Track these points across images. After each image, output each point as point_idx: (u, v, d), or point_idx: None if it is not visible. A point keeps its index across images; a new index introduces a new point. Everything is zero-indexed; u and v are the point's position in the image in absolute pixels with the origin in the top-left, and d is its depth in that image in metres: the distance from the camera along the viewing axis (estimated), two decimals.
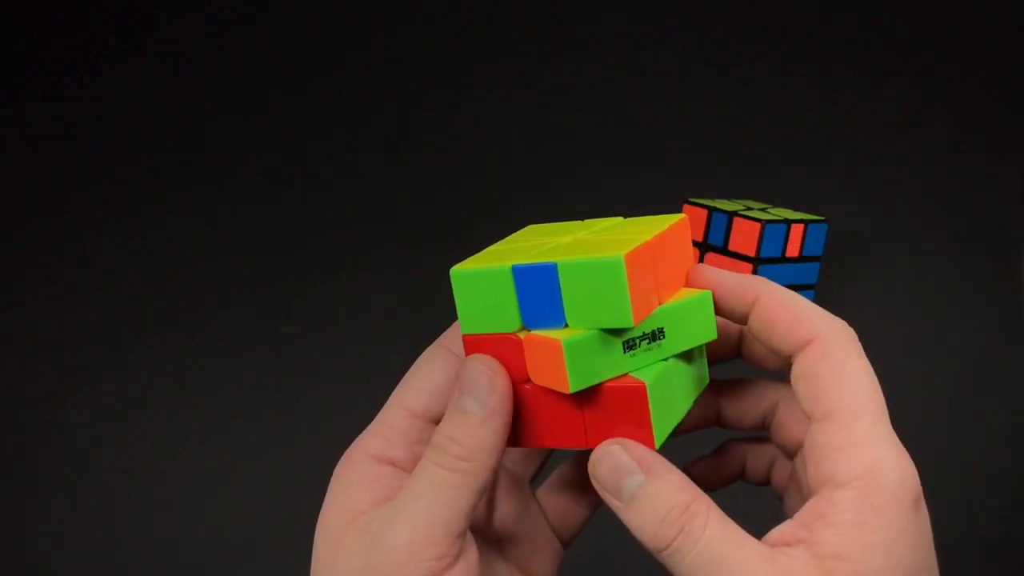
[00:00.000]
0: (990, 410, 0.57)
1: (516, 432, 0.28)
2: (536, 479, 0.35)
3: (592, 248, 0.27)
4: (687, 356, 0.29)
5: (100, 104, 0.69)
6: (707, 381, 0.31)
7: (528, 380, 0.28)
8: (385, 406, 0.30)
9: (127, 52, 0.71)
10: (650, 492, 0.26)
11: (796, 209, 0.59)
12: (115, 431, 0.60)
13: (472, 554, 0.27)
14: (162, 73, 0.70)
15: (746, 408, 0.33)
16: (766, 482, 0.34)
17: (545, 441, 0.28)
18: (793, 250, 0.56)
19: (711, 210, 0.56)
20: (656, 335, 0.27)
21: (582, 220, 0.32)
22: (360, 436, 0.30)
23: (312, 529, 0.30)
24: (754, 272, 0.54)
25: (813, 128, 0.65)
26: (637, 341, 0.27)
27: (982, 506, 0.54)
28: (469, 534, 0.27)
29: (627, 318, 0.26)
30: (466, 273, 0.27)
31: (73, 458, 0.59)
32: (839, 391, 0.27)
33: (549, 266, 0.26)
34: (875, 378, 0.27)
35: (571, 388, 0.26)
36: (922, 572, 0.25)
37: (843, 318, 0.29)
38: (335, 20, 0.70)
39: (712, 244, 0.56)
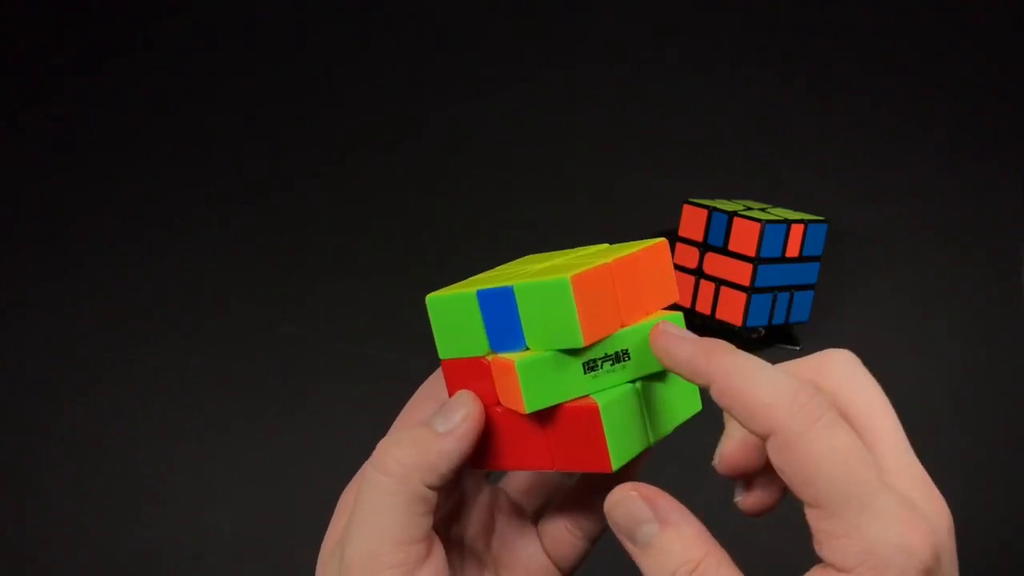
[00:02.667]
0: (990, 410, 0.57)
1: (485, 455, 0.29)
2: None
3: (552, 272, 0.27)
4: (662, 379, 0.29)
5: (100, 104, 0.69)
6: (698, 408, 0.30)
7: (499, 403, 0.28)
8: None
9: (127, 52, 0.71)
10: (663, 543, 0.26)
11: (796, 209, 0.59)
12: (115, 431, 0.60)
13: (435, 562, 0.28)
14: (162, 73, 0.70)
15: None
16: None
17: (513, 463, 0.29)
18: (793, 250, 0.56)
19: (711, 210, 0.56)
20: (620, 356, 0.28)
21: (573, 248, 0.32)
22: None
23: (310, 528, 0.30)
24: (754, 272, 0.54)
25: (813, 128, 0.65)
26: (599, 363, 0.27)
27: (982, 506, 0.54)
28: (435, 540, 0.28)
29: (577, 338, 0.26)
30: (438, 299, 0.28)
31: (73, 458, 0.59)
32: (818, 481, 0.24)
33: (507, 289, 0.27)
34: (859, 446, 0.25)
35: (527, 408, 0.26)
36: None
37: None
38: (335, 20, 0.70)
39: (712, 244, 0.56)
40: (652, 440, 0.29)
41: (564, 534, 0.33)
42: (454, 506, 0.32)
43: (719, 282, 0.56)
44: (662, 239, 0.30)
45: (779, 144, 0.64)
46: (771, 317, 0.56)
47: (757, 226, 0.54)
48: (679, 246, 0.58)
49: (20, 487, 0.58)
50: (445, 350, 0.29)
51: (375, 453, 0.27)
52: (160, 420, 0.60)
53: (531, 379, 0.26)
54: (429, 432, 0.27)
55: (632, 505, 0.26)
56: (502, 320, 0.27)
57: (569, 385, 0.27)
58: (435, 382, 0.31)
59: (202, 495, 0.57)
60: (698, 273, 0.57)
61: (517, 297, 0.27)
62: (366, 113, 0.68)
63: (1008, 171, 0.62)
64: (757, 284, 0.54)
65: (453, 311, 0.28)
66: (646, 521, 0.26)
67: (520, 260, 0.33)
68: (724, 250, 0.55)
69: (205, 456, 0.59)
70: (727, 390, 0.25)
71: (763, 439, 0.25)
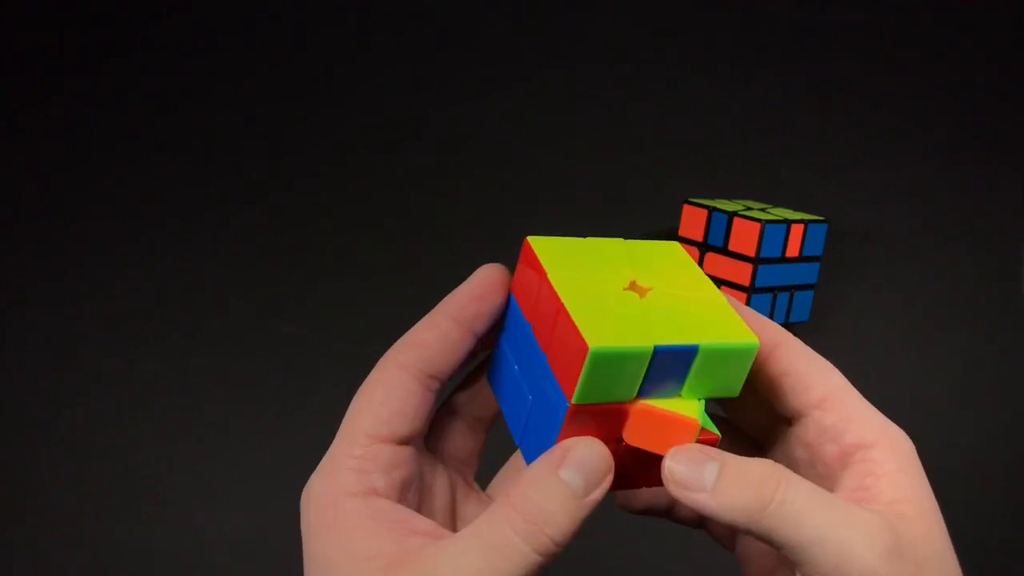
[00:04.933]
0: (990, 410, 0.57)
1: None
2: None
3: (703, 322, 0.28)
4: None
5: (100, 104, 0.69)
6: None
7: (616, 440, 0.28)
8: (341, 436, 0.29)
9: (127, 51, 0.71)
10: (733, 467, 0.26)
11: (796, 209, 0.59)
12: (115, 431, 0.60)
13: None
14: (162, 73, 0.70)
15: None
16: (695, 524, 0.34)
17: (623, 486, 0.29)
18: (793, 250, 0.56)
19: (711, 210, 0.56)
20: None
21: (583, 237, 0.32)
22: (323, 474, 0.28)
23: None
24: (754, 272, 0.54)
25: (813, 128, 0.65)
26: None
27: (981, 506, 0.54)
28: None
29: (736, 391, 0.28)
30: (607, 353, 0.26)
31: (73, 458, 0.59)
32: (826, 378, 0.30)
33: (692, 348, 0.27)
34: None
35: None
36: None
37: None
38: (335, 20, 0.70)
39: (712, 244, 0.56)
40: None
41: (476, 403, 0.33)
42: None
43: (719, 282, 0.56)
44: (676, 245, 0.31)
45: (779, 144, 0.64)
46: (771, 317, 0.56)
47: (757, 226, 0.54)
48: None
49: (20, 487, 0.58)
50: (587, 397, 0.26)
51: (519, 520, 0.25)
52: (160, 420, 0.60)
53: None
54: (574, 501, 0.26)
55: (688, 453, 0.27)
56: (669, 372, 0.27)
57: None
58: (385, 382, 0.29)
59: (202, 495, 0.57)
60: None
61: (699, 354, 0.27)
62: (366, 113, 0.68)
63: (1008, 171, 0.62)
64: (757, 284, 0.54)
65: (619, 364, 0.26)
66: (707, 461, 0.26)
67: (546, 247, 0.31)
68: (724, 250, 0.55)
69: (205, 456, 0.58)
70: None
71: (766, 354, 0.30)
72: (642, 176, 0.64)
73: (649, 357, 0.26)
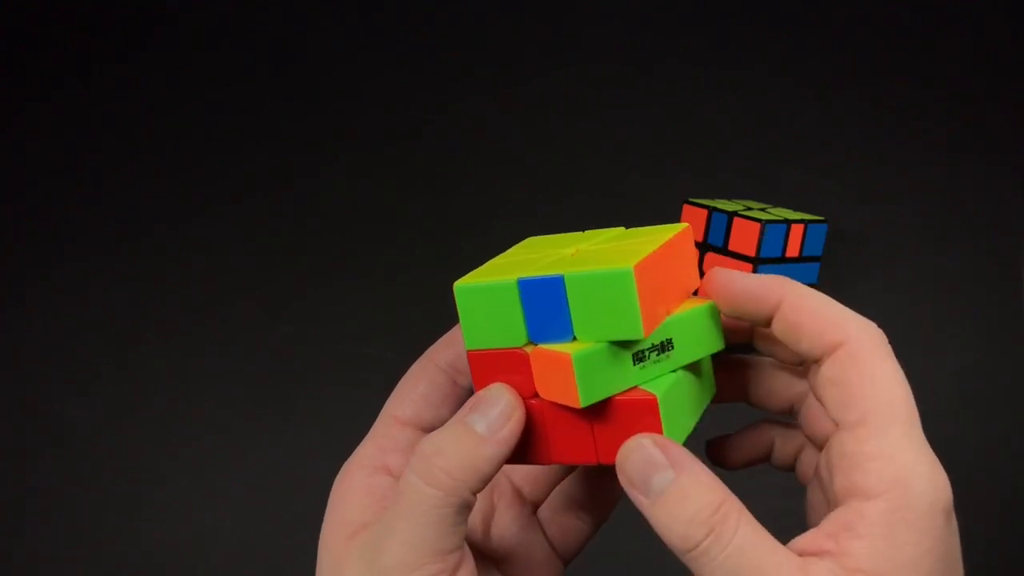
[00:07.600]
0: (990, 410, 0.57)
1: (523, 449, 0.28)
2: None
3: (598, 259, 0.26)
4: (695, 367, 0.29)
5: (100, 104, 0.69)
6: (714, 392, 0.31)
7: (535, 395, 0.27)
8: (377, 420, 0.31)
9: (127, 52, 0.71)
10: (679, 489, 0.25)
11: (796, 209, 0.59)
12: (115, 431, 0.60)
13: (469, 565, 0.27)
14: (162, 73, 0.70)
15: (775, 391, 0.32)
16: (791, 468, 0.33)
17: (553, 457, 0.28)
18: (793, 250, 0.56)
19: (711, 210, 0.56)
20: (665, 346, 0.27)
21: (583, 231, 0.32)
22: (356, 450, 0.30)
23: (311, 528, 0.30)
24: (754, 272, 0.54)
25: (813, 128, 0.65)
26: (646, 353, 0.27)
27: (982, 507, 0.54)
28: (465, 545, 0.27)
29: (638, 330, 0.25)
30: (470, 288, 0.27)
31: (73, 458, 0.59)
32: (870, 398, 0.26)
33: (556, 279, 0.26)
34: (907, 384, 0.27)
35: (582, 403, 0.25)
36: None
37: None
38: (335, 20, 0.70)
39: (712, 244, 0.56)
40: (690, 429, 0.28)
41: (570, 521, 0.33)
42: None
43: None
44: (684, 224, 0.30)
45: (779, 144, 0.64)
46: None
47: (757, 226, 0.54)
48: None
49: (20, 487, 0.58)
50: (473, 341, 0.27)
51: (417, 460, 0.26)
52: (160, 420, 0.60)
53: (587, 372, 0.25)
54: (472, 436, 0.26)
55: (648, 452, 0.25)
56: (547, 310, 0.26)
57: (620, 377, 0.26)
58: (419, 372, 0.30)
59: (202, 495, 0.57)
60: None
61: (568, 287, 0.26)
62: (366, 113, 0.68)
63: (1008, 171, 0.62)
64: None
65: (487, 301, 0.27)
66: (661, 468, 0.25)
67: (526, 243, 0.32)
68: (724, 250, 0.55)
69: (205, 456, 0.59)
70: (801, 306, 0.27)
71: (818, 358, 0.27)
72: (642, 176, 0.64)
73: (515, 291, 0.26)
